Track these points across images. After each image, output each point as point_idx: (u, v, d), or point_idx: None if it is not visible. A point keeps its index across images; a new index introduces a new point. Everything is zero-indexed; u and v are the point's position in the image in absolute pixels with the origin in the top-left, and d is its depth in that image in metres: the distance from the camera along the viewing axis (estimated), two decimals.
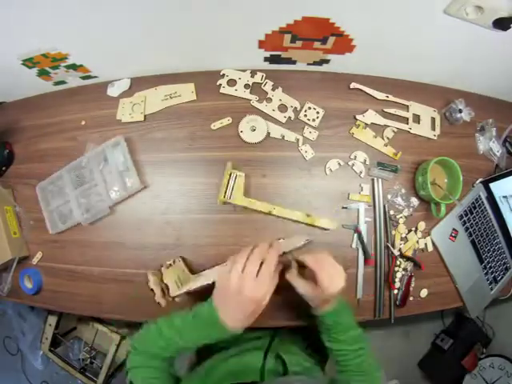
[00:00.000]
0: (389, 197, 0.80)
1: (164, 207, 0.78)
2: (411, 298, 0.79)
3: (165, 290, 0.70)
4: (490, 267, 0.85)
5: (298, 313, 0.73)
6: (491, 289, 0.85)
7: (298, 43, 0.72)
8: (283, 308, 0.73)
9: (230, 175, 0.73)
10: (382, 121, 0.82)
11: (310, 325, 0.66)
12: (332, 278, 0.53)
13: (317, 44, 0.72)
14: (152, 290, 0.70)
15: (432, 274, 0.81)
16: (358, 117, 0.81)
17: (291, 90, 0.82)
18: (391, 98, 0.83)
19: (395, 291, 0.79)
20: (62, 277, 0.80)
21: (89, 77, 0.84)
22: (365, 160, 0.80)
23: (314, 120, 0.81)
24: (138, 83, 0.84)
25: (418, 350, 1.52)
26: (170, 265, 0.73)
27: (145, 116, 0.82)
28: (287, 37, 0.70)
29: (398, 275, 0.79)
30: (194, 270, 0.74)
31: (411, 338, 1.52)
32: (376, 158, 0.81)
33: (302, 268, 0.58)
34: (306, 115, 0.81)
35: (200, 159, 0.79)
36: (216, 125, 0.80)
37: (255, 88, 0.81)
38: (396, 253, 0.78)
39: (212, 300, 0.50)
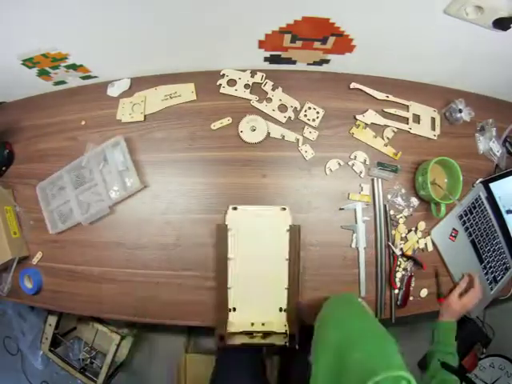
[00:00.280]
0: (389, 197, 0.80)
1: (164, 207, 0.78)
2: (411, 298, 0.79)
3: None
4: (490, 267, 0.85)
5: None
6: (491, 289, 0.85)
7: (298, 43, 0.72)
8: None
9: None
10: (381, 121, 0.82)
11: None
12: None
13: (317, 44, 0.72)
14: None
15: (432, 274, 0.81)
16: (358, 117, 0.81)
17: (291, 90, 0.82)
18: (391, 98, 0.83)
19: (396, 291, 0.79)
20: (62, 277, 0.80)
21: (89, 77, 0.84)
22: (365, 160, 0.80)
23: (314, 120, 0.81)
24: (138, 83, 0.84)
25: (418, 350, 1.51)
26: None
27: (145, 116, 0.82)
28: (287, 37, 0.70)
29: (398, 275, 0.79)
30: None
31: (411, 338, 1.52)
32: (376, 158, 0.81)
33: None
34: (306, 115, 0.81)
35: (200, 159, 0.79)
36: (216, 125, 0.80)
37: (255, 88, 0.81)
38: (398, 252, 0.78)
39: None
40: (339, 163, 0.80)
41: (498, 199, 0.86)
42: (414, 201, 0.80)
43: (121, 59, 0.79)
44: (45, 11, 0.59)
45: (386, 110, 0.82)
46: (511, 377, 1.28)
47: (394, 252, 0.78)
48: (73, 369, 1.22)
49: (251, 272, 0.73)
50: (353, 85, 0.82)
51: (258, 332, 0.70)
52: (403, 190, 0.80)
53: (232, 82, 0.82)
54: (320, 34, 0.69)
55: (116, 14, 0.62)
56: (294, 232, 0.73)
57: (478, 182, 0.86)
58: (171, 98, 0.82)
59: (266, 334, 0.70)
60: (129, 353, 1.25)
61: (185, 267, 0.77)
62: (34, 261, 0.82)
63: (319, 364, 0.49)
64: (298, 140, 0.80)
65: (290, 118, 0.81)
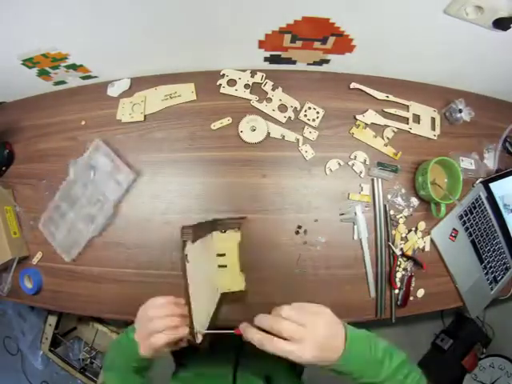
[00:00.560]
0: (389, 197, 0.80)
1: (164, 207, 0.78)
2: (411, 298, 0.79)
3: None
4: (490, 267, 0.85)
5: None
6: (491, 289, 0.85)
7: (298, 43, 0.72)
8: None
9: None
10: (382, 121, 0.82)
11: None
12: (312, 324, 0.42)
13: (317, 44, 0.72)
14: None
15: (432, 274, 0.81)
16: (358, 117, 0.81)
17: (291, 90, 0.82)
18: (391, 98, 0.83)
19: (396, 291, 0.79)
20: (62, 277, 0.80)
21: (89, 77, 0.84)
22: (365, 160, 0.80)
23: (314, 120, 0.81)
24: (138, 83, 0.84)
25: (418, 350, 1.52)
26: None
27: (145, 116, 0.82)
28: (287, 37, 0.70)
29: (399, 275, 0.79)
30: None
31: (411, 338, 1.52)
32: (376, 158, 0.81)
33: None
34: (306, 115, 0.81)
35: (200, 159, 0.79)
36: (216, 125, 0.80)
37: (255, 88, 0.81)
38: (398, 252, 0.78)
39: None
40: (339, 163, 0.80)
41: (498, 199, 0.86)
42: (414, 201, 0.80)
43: (121, 59, 0.79)
44: (45, 11, 0.59)
45: (385, 109, 0.82)
46: (511, 377, 1.28)
47: (394, 252, 0.78)
48: (73, 369, 1.22)
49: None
50: (353, 85, 0.82)
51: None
52: (403, 190, 0.80)
53: (232, 82, 0.82)
54: (320, 33, 0.69)
55: (116, 14, 0.62)
56: None
57: (478, 182, 0.86)
58: (171, 97, 0.82)
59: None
60: None
61: None
62: (34, 261, 0.82)
63: None
64: (298, 140, 0.80)
65: (289, 118, 0.81)
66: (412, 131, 0.83)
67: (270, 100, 0.81)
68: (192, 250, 0.52)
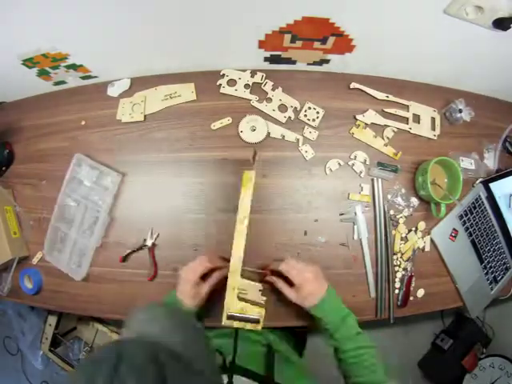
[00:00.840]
0: (389, 197, 0.80)
1: (164, 207, 0.78)
2: (411, 298, 0.79)
3: None
4: (490, 267, 0.85)
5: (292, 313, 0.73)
6: (491, 289, 0.85)
7: (298, 43, 0.72)
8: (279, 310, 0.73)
9: None
10: (382, 121, 0.82)
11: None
12: (304, 279, 0.62)
13: (317, 44, 0.72)
14: None
15: (432, 274, 0.81)
16: (358, 117, 0.81)
17: (291, 90, 0.82)
18: (391, 98, 0.83)
19: (396, 291, 0.79)
20: (62, 277, 0.80)
21: (89, 77, 0.84)
22: (365, 160, 0.80)
23: (314, 120, 0.81)
24: (138, 83, 0.84)
25: (418, 350, 1.52)
26: None
27: (145, 116, 0.82)
28: (287, 37, 0.70)
29: (398, 275, 0.79)
30: None
31: (411, 338, 1.52)
32: (376, 157, 0.81)
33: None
34: (306, 115, 0.81)
35: (200, 159, 0.79)
36: (216, 125, 0.80)
37: (255, 88, 0.81)
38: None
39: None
40: (339, 163, 0.80)
41: (498, 199, 0.86)
42: (414, 201, 0.80)
43: (121, 59, 0.79)
44: (45, 11, 0.59)
45: (386, 109, 0.82)
46: (511, 377, 1.28)
47: (394, 253, 0.78)
48: (73, 369, 1.22)
49: None
50: (353, 85, 0.82)
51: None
52: (403, 190, 0.80)
53: (232, 82, 0.82)
54: (320, 33, 0.69)
55: (116, 14, 0.62)
56: None
57: (478, 182, 0.86)
58: (171, 97, 0.82)
59: None
60: None
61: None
62: (34, 261, 0.82)
63: None
64: (298, 140, 0.80)
65: (289, 118, 0.81)
66: (412, 131, 0.83)
67: (269, 100, 0.81)
68: None
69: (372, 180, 0.80)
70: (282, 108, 0.81)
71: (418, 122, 0.84)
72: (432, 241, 0.81)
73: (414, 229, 0.80)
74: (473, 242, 0.84)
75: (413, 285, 0.79)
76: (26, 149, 0.87)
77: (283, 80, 0.82)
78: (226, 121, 0.80)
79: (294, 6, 0.61)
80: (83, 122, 0.84)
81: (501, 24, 0.60)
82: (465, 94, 0.87)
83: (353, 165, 0.80)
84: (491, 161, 0.88)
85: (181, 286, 0.61)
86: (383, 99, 0.83)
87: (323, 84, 0.83)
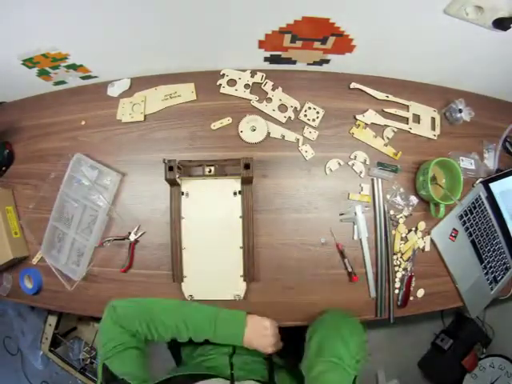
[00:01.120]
0: (388, 196, 0.80)
1: (164, 207, 0.78)
2: (411, 298, 0.79)
3: None
4: (490, 267, 0.85)
5: None
6: (491, 289, 0.85)
7: (298, 43, 0.72)
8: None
9: None
10: (382, 121, 0.82)
11: None
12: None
13: (317, 44, 0.72)
14: None
15: (432, 274, 0.81)
16: (358, 117, 0.81)
17: (291, 90, 0.82)
18: (391, 98, 0.83)
19: (396, 291, 0.79)
20: (62, 277, 0.80)
21: (89, 77, 0.84)
22: (365, 160, 0.80)
23: (314, 120, 0.81)
24: (138, 83, 0.84)
25: (418, 350, 1.52)
26: None
27: (145, 116, 0.82)
28: (287, 37, 0.70)
29: (398, 275, 0.79)
30: None
31: (411, 338, 1.52)
32: (376, 157, 0.81)
33: None
34: (306, 115, 0.81)
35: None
36: (216, 125, 0.80)
37: (255, 88, 0.81)
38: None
39: (245, 324, 0.65)
40: (339, 163, 0.80)
41: (498, 199, 0.86)
42: (414, 199, 0.80)
43: (121, 59, 0.79)
44: (45, 11, 0.59)
45: (386, 109, 0.82)
46: (511, 377, 1.28)
47: (394, 253, 0.78)
48: (73, 369, 1.22)
49: (204, 236, 0.74)
50: (353, 85, 0.82)
51: None
52: (402, 190, 0.80)
53: (232, 82, 0.82)
54: (320, 33, 0.69)
55: (116, 14, 0.62)
56: (247, 191, 0.73)
57: (478, 182, 0.86)
58: (171, 97, 0.82)
59: None
60: None
61: None
62: (34, 261, 0.82)
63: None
64: (298, 140, 0.80)
65: (289, 118, 0.81)
66: (412, 131, 0.83)
67: (270, 100, 0.81)
68: None
69: (372, 180, 0.80)
70: (282, 108, 0.81)
71: (418, 122, 0.84)
72: (432, 241, 0.81)
73: (414, 229, 0.80)
74: (473, 242, 0.84)
75: (413, 285, 0.79)
76: (26, 149, 0.87)
77: (283, 80, 0.82)
78: (226, 121, 0.80)
79: (293, 5, 0.61)
80: (83, 122, 0.84)
81: (501, 24, 0.60)
82: (465, 94, 0.87)
83: (353, 165, 0.80)
84: (491, 161, 0.88)
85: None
86: (383, 99, 0.83)
87: (323, 84, 0.83)
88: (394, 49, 0.74)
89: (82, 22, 0.63)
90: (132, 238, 0.78)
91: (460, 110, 0.83)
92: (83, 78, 0.84)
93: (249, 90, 0.81)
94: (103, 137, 0.83)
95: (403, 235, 0.79)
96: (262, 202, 0.78)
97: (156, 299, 0.68)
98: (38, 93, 0.90)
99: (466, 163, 0.84)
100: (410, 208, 0.80)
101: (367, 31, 0.68)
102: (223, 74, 0.82)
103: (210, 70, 0.82)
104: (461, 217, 0.83)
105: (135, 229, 0.78)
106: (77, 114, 0.85)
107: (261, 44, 0.73)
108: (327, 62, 0.80)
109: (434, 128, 0.85)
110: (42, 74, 0.80)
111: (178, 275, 0.73)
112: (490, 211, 0.86)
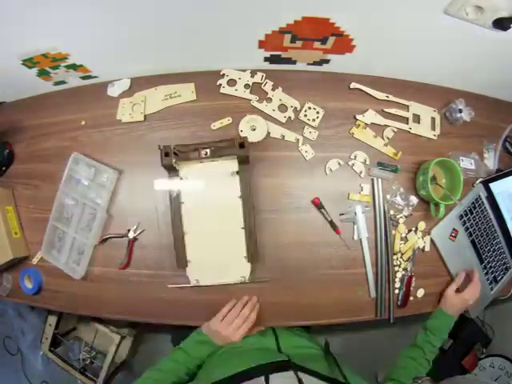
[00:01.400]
0: (388, 197, 0.80)
1: (164, 207, 0.78)
2: (411, 298, 0.79)
3: None
4: (490, 267, 0.85)
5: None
6: (491, 289, 0.85)
7: (298, 43, 0.72)
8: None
9: None
10: (382, 121, 0.82)
11: None
12: (473, 296, 0.76)
13: (317, 44, 0.72)
14: None
15: (432, 274, 0.81)
16: (358, 117, 0.81)
17: (291, 90, 0.82)
18: (391, 98, 0.83)
19: (396, 291, 0.79)
20: (62, 277, 0.80)
21: (89, 77, 0.84)
22: (365, 160, 0.80)
23: (314, 120, 0.81)
24: (138, 83, 0.84)
25: None
26: None
27: (145, 116, 0.82)
28: (287, 37, 0.70)
29: (398, 275, 0.79)
30: None
31: (411, 338, 1.52)
32: (376, 157, 0.81)
33: None
34: (306, 115, 0.81)
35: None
36: (216, 125, 0.80)
37: (255, 88, 0.81)
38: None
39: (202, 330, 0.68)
40: (339, 163, 0.80)
41: (498, 199, 0.86)
42: (413, 199, 0.80)
43: (121, 59, 0.79)
44: (45, 11, 0.59)
45: (386, 109, 0.82)
46: (511, 377, 1.28)
47: (394, 253, 0.78)
48: (73, 369, 1.22)
49: (206, 219, 0.74)
50: (353, 85, 0.82)
51: None
52: (402, 190, 0.80)
53: (232, 82, 0.82)
54: (320, 33, 0.69)
55: (116, 14, 0.62)
56: (245, 171, 0.73)
57: (478, 182, 0.86)
58: (171, 97, 0.82)
59: None
60: (129, 353, 1.25)
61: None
62: (34, 261, 0.82)
63: None
64: (298, 140, 0.80)
65: (289, 117, 0.81)
66: (412, 131, 0.83)
67: (270, 100, 0.81)
68: None
69: (372, 180, 0.80)
70: (282, 108, 0.81)
71: (418, 122, 0.84)
72: (432, 241, 0.81)
73: (414, 229, 0.80)
74: (473, 242, 0.84)
75: (413, 285, 0.79)
76: (26, 149, 0.87)
77: (283, 80, 0.82)
78: (226, 121, 0.80)
79: (293, 5, 0.61)
80: (83, 122, 0.84)
81: (501, 24, 0.60)
82: (465, 94, 0.87)
83: (353, 165, 0.80)
84: (491, 161, 0.88)
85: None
86: (383, 99, 0.83)
87: (323, 84, 0.83)
88: (394, 49, 0.74)
89: (82, 21, 0.63)
90: (131, 235, 0.78)
91: (460, 110, 0.83)
92: (83, 78, 0.84)
93: (249, 90, 0.81)
94: (103, 137, 0.83)
95: (403, 235, 0.79)
96: (262, 202, 0.77)
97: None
98: (38, 93, 0.90)
99: (466, 163, 0.84)
100: (410, 208, 0.80)
101: (367, 31, 0.68)
102: (223, 74, 0.82)
103: (210, 70, 0.82)
104: (461, 217, 0.83)
105: (134, 227, 0.78)
106: (77, 113, 0.85)
107: (261, 44, 0.73)
108: (327, 62, 0.80)
109: (433, 128, 0.85)
110: (42, 74, 0.80)
111: (181, 260, 0.73)
112: (490, 211, 0.86)
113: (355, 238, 0.78)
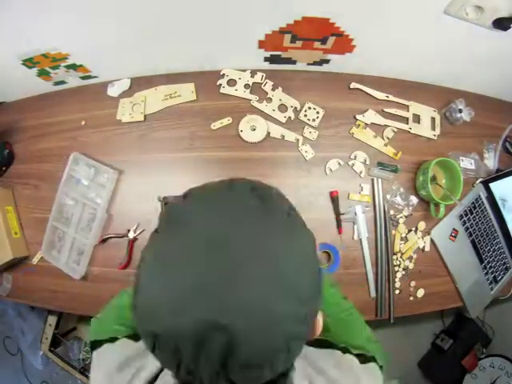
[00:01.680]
0: (388, 197, 0.80)
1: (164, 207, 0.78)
2: (411, 298, 0.79)
3: None
4: (490, 267, 0.85)
5: None
6: (491, 289, 0.85)
7: (298, 43, 0.72)
8: None
9: None
10: (382, 121, 0.82)
11: None
12: None
13: (317, 44, 0.72)
14: None
15: (432, 274, 0.81)
16: (358, 117, 0.81)
17: (291, 90, 0.82)
18: (391, 98, 0.83)
19: (396, 291, 0.79)
20: (62, 277, 0.80)
21: (89, 77, 0.84)
22: (365, 160, 0.80)
23: (314, 120, 0.81)
24: (138, 83, 0.84)
25: (418, 350, 1.52)
26: None
27: (145, 116, 0.82)
28: (287, 37, 0.70)
29: (398, 275, 0.79)
30: None
31: (411, 338, 1.52)
32: (376, 157, 0.81)
33: None
34: (306, 115, 0.81)
35: (200, 159, 0.79)
36: (216, 125, 0.80)
37: (255, 88, 0.81)
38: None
39: None
40: (339, 163, 0.80)
41: (498, 199, 0.86)
42: (413, 199, 0.80)
43: (121, 59, 0.79)
44: (45, 11, 0.59)
45: (386, 109, 0.82)
46: (511, 377, 1.28)
47: (394, 253, 0.78)
48: (73, 369, 1.22)
49: None
50: (353, 85, 0.82)
51: None
52: (402, 190, 0.80)
53: (232, 82, 0.82)
54: (320, 34, 0.69)
55: (116, 14, 0.62)
56: None
57: (478, 182, 0.86)
58: (171, 97, 0.82)
59: None
60: None
61: None
62: (34, 261, 0.82)
63: None
64: (297, 140, 0.80)
65: (289, 117, 0.81)
66: (412, 131, 0.83)
67: (269, 100, 0.81)
68: None
69: (372, 180, 0.80)
70: (282, 108, 0.81)
71: (418, 122, 0.84)
72: (432, 241, 0.81)
73: (414, 229, 0.80)
74: (473, 242, 0.84)
75: (413, 285, 0.79)
76: (26, 149, 0.87)
77: (283, 80, 0.82)
78: (226, 121, 0.80)
79: (294, 5, 0.61)
80: (83, 122, 0.84)
81: (501, 24, 0.60)
82: (465, 94, 0.87)
83: (353, 165, 0.80)
84: (491, 161, 0.88)
85: None
86: (383, 99, 0.83)
87: (323, 84, 0.83)
88: (394, 49, 0.74)
89: (82, 22, 0.63)
90: (131, 235, 0.78)
91: (460, 110, 0.83)
92: (83, 78, 0.84)
93: (249, 90, 0.81)
94: (103, 137, 0.83)
95: (403, 235, 0.79)
96: None
97: None
98: (38, 93, 0.90)
99: (466, 163, 0.84)
100: (410, 208, 0.80)
101: (367, 31, 0.68)
102: (223, 74, 0.82)
103: (210, 70, 0.82)
104: (461, 217, 0.83)
105: (134, 227, 0.78)
106: (77, 113, 0.85)
107: (261, 44, 0.73)
108: (327, 61, 0.80)
109: (433, 128, 0.85)
110: (42, 74, 0.80)
111: None
112: (490, 211, 0.86)
113: (355, 237, 0.78)
